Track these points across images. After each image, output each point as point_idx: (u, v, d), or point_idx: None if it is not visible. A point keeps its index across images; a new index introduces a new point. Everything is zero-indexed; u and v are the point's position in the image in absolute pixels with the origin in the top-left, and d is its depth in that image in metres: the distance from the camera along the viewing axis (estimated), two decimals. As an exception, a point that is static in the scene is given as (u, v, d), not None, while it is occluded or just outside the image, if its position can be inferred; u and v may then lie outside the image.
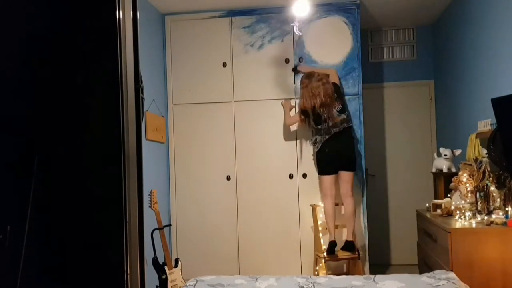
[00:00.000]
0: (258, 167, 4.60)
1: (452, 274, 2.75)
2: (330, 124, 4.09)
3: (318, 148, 4.16)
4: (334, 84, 4.23)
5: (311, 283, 2.74)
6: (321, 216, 4.36)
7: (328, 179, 4.17)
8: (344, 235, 4.23)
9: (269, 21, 4.63)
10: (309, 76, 4.23)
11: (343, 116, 4.14)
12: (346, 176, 4.17)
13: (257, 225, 4.59)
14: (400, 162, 5.50)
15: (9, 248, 1.34)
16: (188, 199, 4.71)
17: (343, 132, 4.13)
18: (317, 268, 4.31)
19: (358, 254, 4.09)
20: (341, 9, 4.54)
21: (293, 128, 4.56)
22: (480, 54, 3.91)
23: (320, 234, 4.28)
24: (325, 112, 4.09)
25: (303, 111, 4.22)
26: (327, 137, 4.10)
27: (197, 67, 4.71)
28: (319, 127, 4.14)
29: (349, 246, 4.08)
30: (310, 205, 4.44)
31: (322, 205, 4.30)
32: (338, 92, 4.22)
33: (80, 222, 1.39)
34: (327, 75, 4.23)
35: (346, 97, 4.51)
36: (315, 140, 4.21)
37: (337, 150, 4.12)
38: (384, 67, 5.57)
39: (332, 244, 4.08)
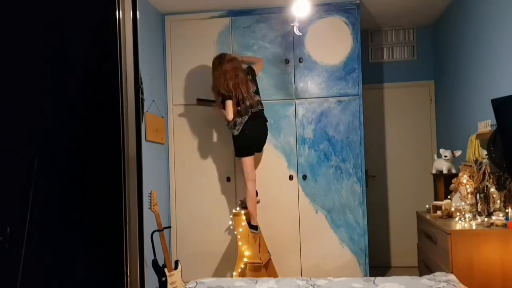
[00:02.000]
0: (258, 168, 4.58)
1: (452, 276, 2.75)
2: (248, 103, 4.01)
3: (239, 131, 4.02)
4: (250, 68, 4.24)
5: (311, 285, 2.73)
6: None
7: (251, 161, 4.14)
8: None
9: (269, 21, 4.62)
10: (220, 57, 4.12)
11: (258, 97, 4.13)
12: (257, 158, 4.29)
13: (256, 226, 4.57)
14: (400, 163, 5.50)
15: (9, 250, 1.33)
16: (188, 201, 4.70)
17: (260, 113, 4.14)
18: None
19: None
20: (341, 9, 4.54)
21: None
22: (480, 54, 3.91)
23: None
24: (242, 91, 3.98)
25: (221, 93, 4.02)
26: (246, 118, 4.01)
27: (197, 67, 4.70)
28: (238, 108, 4.00)
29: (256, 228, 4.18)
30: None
31: (248, 189, 4.14)
32: (252, 74, 4.19)
33: (80, 223, 1.39)
34: (237, 57, 4.20)
35: (346, 98, 4.51)
36: (234, 123, 4.02)
37: (257, 131, 4.15)
38: (384, 68, 5.56)
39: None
